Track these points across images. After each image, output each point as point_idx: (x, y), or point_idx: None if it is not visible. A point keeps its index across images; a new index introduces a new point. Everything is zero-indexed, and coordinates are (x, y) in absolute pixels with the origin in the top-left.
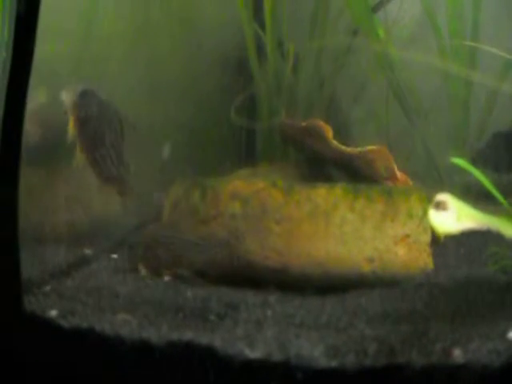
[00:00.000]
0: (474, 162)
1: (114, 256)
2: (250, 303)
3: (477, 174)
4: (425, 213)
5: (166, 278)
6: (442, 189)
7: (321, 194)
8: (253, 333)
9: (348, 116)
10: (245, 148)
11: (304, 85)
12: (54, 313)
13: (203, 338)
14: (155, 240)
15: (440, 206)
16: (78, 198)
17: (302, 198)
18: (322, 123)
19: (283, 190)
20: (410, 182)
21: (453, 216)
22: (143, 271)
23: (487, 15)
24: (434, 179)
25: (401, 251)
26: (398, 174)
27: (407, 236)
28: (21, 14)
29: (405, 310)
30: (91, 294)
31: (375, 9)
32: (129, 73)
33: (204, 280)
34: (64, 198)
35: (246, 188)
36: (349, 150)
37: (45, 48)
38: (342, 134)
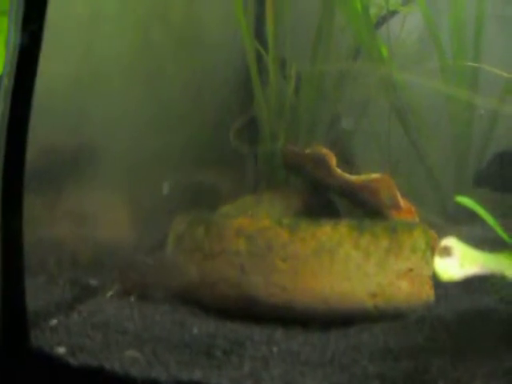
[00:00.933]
0: (475, 181)
1: (117, 289)
2: (256, 340)
3: (483, 214)
4: (427, 246)
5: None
6: (443, 211)
7: (326, 231)
8: (259, 371)
9: (350, 136)
10: (248, 173)
11: (306, 105)
12: (62, 350)
13: (211, 378)
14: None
15: (445, 251)
16: (83, 227)
17: (307, 235)
18: (325, 151)
19: (289, 228)
20: (414, 210)
21: (456, 262)
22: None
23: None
24: (436, 199)
25: (403, 285)
26: (402, 201)
27: (410, 270)
28: (23, 46)
29: (407, 345)
30: (99, 329)
31: (377, 25)
32: (129, 96)
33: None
34: (68, 227)
35: (251, 226)
36: (352, 179)
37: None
38: (344, 155)
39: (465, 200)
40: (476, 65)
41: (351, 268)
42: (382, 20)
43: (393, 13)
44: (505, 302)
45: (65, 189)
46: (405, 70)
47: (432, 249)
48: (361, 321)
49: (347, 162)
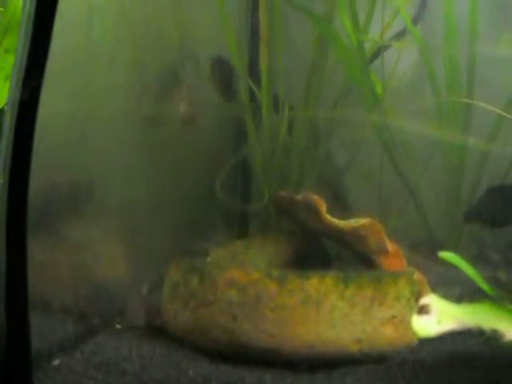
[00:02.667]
0: (466, 217)
1: (119, 326)
2: (247, 382)
3: (464, 266)
4: (412, 294)
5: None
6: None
7: (313, 284)
8: None
9: (342, 175)
10: (239, 217)
11: (299, 144)
12: None
13: None
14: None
15: (423, 309)
16: (83, 266)
17: (295, 287)
18: (316, 198)
19: (277, 280)
20: (401, 253)
21: (434, 319)
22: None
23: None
24: (426, 236)
25: (387, 331)
26: (390, 246)
27: (394, 317)
28: (24, 100)
29: None
30: (100, 370)
31: (372, 59)
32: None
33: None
34: (69, 266)
35: (243, 277)
36: (341, 225)
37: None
38: (336, 194)
39: (447, 255)
40: (470, 101)
41: (337, 317)
42: (376, 53)
43: (387, 47)
44: (489, 345)
45: (64, 225)
46: (398, 107)
47: (419, 294)
48: (346, 364)
49: (340, 201)
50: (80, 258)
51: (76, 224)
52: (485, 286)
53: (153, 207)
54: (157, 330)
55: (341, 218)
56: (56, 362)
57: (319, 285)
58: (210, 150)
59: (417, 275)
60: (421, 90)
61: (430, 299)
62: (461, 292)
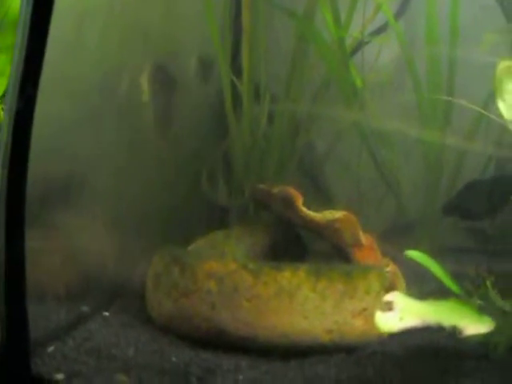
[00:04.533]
0: (445, 210)
1: (106, 314)
2: (225, 368)
3: (431, 265)
4: (382, 287)
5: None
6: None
7: (286, 276)
8: None
9: (321, 165)
10: (220, 208)
11: (279, 134)
12: (60, 376)
13: None
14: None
15: (387, 306)
16: (74, 255)
17: (269, 279)
18: (292, 191)
19: (253, 272)
20: (375, 246)
21: (397, 316)
22: None
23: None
24: (404, 228)
25: (358, 323)
26: (364, 239)
27: (364, 309)
28: (19, 110)
29: (357, 377)
30: (91, 355)
31: (352, 53)
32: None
33: None
34: (60, 255)
35: (221, 269)
36: (317, 218)
37: None
38: (318, 184)
39: (414, 254)
40: (450, 99)
41: (309, 308)
42: (357, 48)
43: (368, 41)
44: (455, 338)
45: (56, 218)
46: (378, 101)
47: (392, 286)
48: (318, 353)
49: (321, 190)
50: (67, 247)
51: (64, 213)
52: (451, 285)
53: (138, 199)
54: (142, 318)
55: (320, 208)
56: (50, 348)
57: (292, 277)
58: (193, 143)
59: (391, 267)
60: (402, 86)
61: (394, 296)
62: (435, 285)
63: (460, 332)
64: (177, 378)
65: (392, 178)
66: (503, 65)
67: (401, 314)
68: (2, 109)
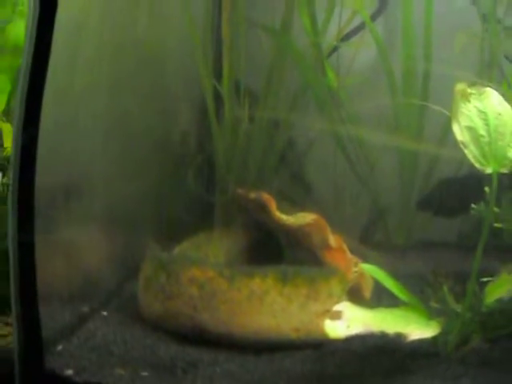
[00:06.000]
0: (419, 206)
1: (105, 313)
2: (205, 361)
3: (383, 278)
4: (343, 291)
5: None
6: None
7: (256, 282)
8: None
9: (302, 162)
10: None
11: (260, 129)
12: (70, 371)
13: None
14: None
15: (335, 315)
16: (74, 257)
17: (241, 285)
18: (266, 196)
19: (227, 279)
20: (344, 247)
21: (344, 324)
22: None
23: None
24: (380, 225)
25: (322, 323)
26: (333, 241)
27: (327, 311)
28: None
29: (321, 370)
30: (93, 352)
31: (328, 55)
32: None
33: None
34: (62, 258)
35: (201, 275)
36: (289, 222)
37: None
38: (301, 181)
39: (368, 267)
40: (424, 103)
41: (277, 310)
42: (332, 50)
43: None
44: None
45: (55, 224)
46: (353, 104)
47: (359, 286)
48: (286, 349)
49: (305, 189)
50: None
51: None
52: (402, 295)
53: (126, 202)
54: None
55: (299, 204)
56: (59, 347)
57: (261, 283)
58: (176, 145)
59: (358, 268)
60: (378, 88)
61: (343, 306)
62: (402, 282)
63: (405, 337)
64: (165, 370)
65: (367, 176)
66: (459, 87)
67: (348, 322)
68: (2, 120)
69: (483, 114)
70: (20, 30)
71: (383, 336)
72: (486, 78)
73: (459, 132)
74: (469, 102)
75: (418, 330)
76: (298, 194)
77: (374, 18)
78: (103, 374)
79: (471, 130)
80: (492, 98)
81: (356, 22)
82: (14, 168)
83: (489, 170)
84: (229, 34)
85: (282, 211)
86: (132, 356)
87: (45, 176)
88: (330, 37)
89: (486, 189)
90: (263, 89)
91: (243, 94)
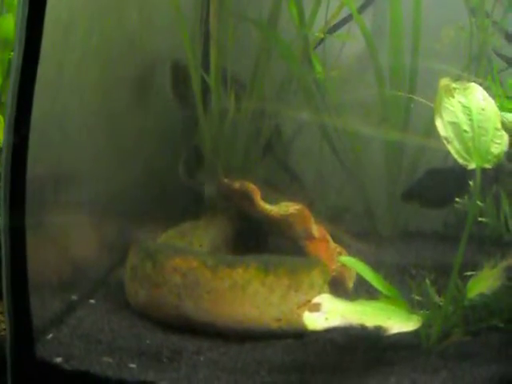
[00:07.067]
0: (405, 197)
1: (92, 301)
2: (189, 350)
3: (362, 270)
4: (325, 282)
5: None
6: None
7: (239, 272)
8: (190, 374)
9: (288, 151)
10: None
11: (246, 117)
12: (59, 359)
13: (160, 378)
14: None
15: (314, 307)
16: (63, 246)
17: (224, 275)
18: (251, 186)
19: (211, 268)
20: (327, 237)
21: (322, 316)
22: None
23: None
24: (365, 214)
25: (303, 313)
26: (316, 231)
27: (308, 301)
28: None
29: (301, 359)
30: (82, 340)
31: (315, 46)
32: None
33: None
34: (51, 247)
35: (184, 265)
36: (272, 213)
37: None
38: (289, 171)
39: (347, 260)
40: (411, 96)
41: (259, 300)
42: (320, 41)
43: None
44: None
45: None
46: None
47: (341, 276)
48: (268, 338)
49: (293, 178)
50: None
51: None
52: (382, 287)
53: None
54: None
55: (286, 191)
56: (49, 335)
57: (244, 273)
58: (164, 135)
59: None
60: (365, 80)
61: (322, 299)
62: (385, 274)
63: (385, 331)
64: (151, 358)
65: (351, 166)
66: (443, 82)
67: (326, 314)
68: None
69: (467, 109)
70: (10, 23)
71: (364, 328)
72: (474, 71)
73: (442, 127)
74: (453, 97)
75: (398, 323)
76: (284, 182)
77: (361, 10)
78: (91, 362)
79: (454, 125)
80: (476, 93)
81: (344, 14)
82: (5, 158)
83: (472, 166)
84: (216, 27)
85: (267, 199)
86: (119, 344)
87: (34, 166)
88: (318, 28)
89: (471, 183)
90: (250, 78)
91: (230, 83)
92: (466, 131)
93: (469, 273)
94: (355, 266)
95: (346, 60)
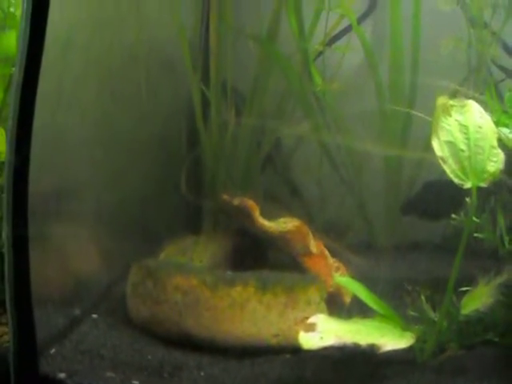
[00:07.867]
0: (403, 210)
1: (95, 316)
2: (190, 365)
3: (357, 289)
4: (321, 299)
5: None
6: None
7: (237, 290)
8: None
9: (288, 165)
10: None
11: (246, 130)
12: (62, 375)
13: None
14: None
15: (310, 327)
16: (65, 260)
17: (223, 294)
18: (250, 203)
19: (210, 287)
20: (327, 253)
21: (317, 336)
22: None
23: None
24: (363, 227)
25: (300, 329)
26: (314, 247)
27: (306, 318)
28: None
29: (296, 376)
30: (85, 355)
31: (315, 58)
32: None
33: None
34: (54, 261)
35: (185, 283)
36: (271, 229)
37: None
38: (291, 185)
39: (342, 280)
40: (409, 110)
41: (257, 317)
42: (319, 53)
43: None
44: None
45: (48, 227)
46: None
47: (338, 292)
48: (266, 354)
49: (293, 191)
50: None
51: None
52: (376, 306)
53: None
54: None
55: (285, 207)
56: (52, 350)
57: (242, 292)
58: (165, 149)
59: (341, 271)
60: (365, 92)
61: (317, 319)
62: (382, 289)
63: (378, 349)
64: (153, 373)
65: (351, 180)
66: (440, 101)
67: (321, 334)
68: None
69: (464, 127)
70: (12, 39)
71: (358, 346)
72: (472, 83)
73: (438, 147)
74: (450, 115)
75: (391, 341)
76: (284, 195)
77: (360, 20)
78: (94, 377)
79: (451, 144)
80: (473, 111)
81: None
82: (7, 172)
83: (468, 185)
84: (216, 42)
85: (266, 214)
86: (121, 360)
87: (37, 181)
88: (317, 41)
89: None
90: (250, 92)
91: (230, 97)
92: (462, 150)
93: (464, 288)
94: (350, 286)
95: (346, 72)
